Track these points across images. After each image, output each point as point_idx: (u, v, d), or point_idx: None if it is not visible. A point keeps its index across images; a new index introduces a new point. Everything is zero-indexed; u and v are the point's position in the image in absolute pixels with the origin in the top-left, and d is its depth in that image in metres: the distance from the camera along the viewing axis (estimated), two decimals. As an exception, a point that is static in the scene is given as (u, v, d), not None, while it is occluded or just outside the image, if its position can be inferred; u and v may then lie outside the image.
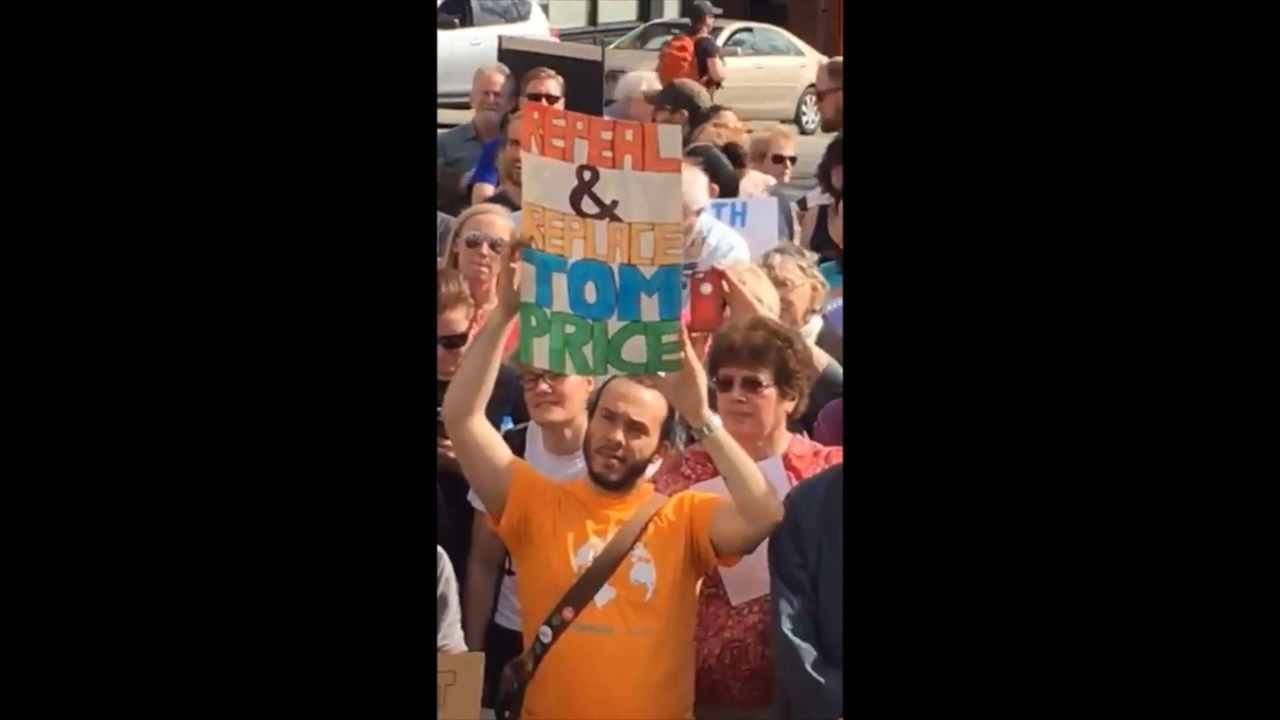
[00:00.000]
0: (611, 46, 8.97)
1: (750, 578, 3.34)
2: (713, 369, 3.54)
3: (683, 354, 3.14)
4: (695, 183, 4.77)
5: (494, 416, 3.54)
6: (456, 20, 17.60)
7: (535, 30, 17.14)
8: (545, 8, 19.50)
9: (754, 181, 5.84)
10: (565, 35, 16.49)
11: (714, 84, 11.18)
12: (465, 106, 8.93)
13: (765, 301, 3.92)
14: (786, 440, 3.51)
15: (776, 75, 19.71)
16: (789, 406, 3.49)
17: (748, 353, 3.46)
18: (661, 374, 3.24)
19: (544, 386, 3.51)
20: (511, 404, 3.76)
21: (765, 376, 3.44)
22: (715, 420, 3.23)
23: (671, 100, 6.36)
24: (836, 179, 5.44)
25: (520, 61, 7.30)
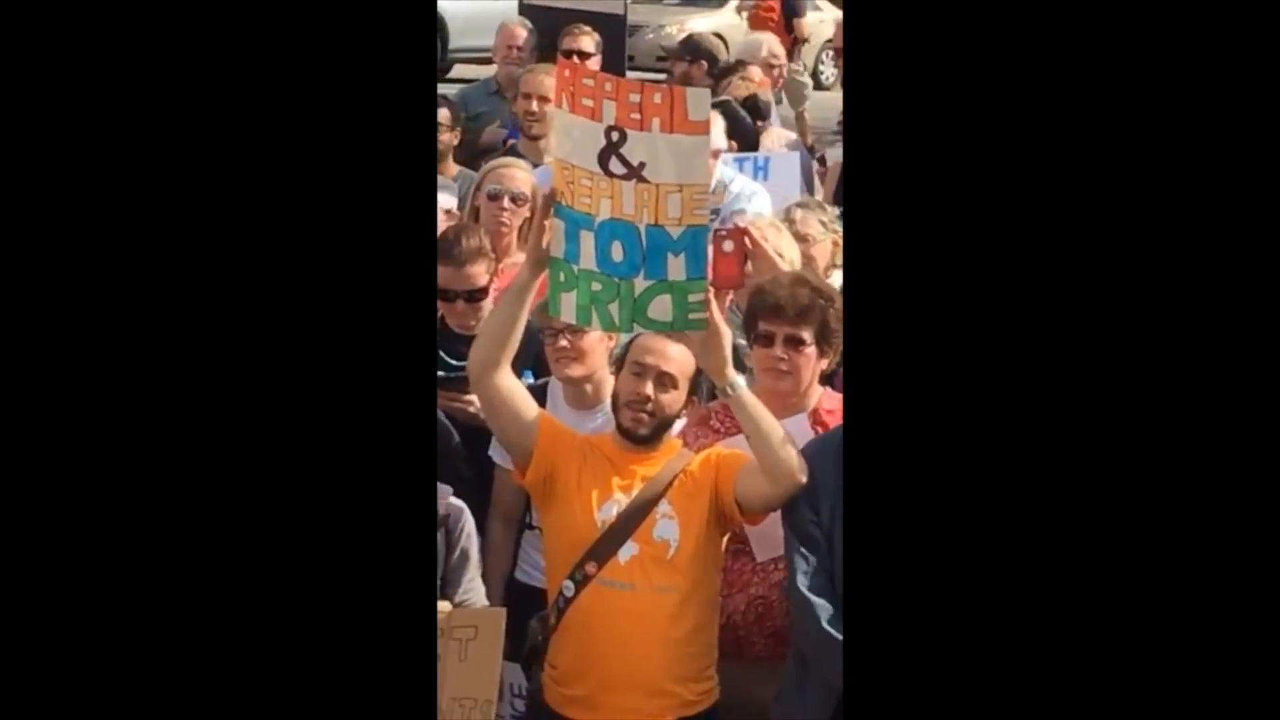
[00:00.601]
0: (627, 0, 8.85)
1: (775, 535, 3.34)
2: (750, 324, 3.55)
3: (708, 313, 3.12)
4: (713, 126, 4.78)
5: (516, 371, 3.52)
6: None
7: None
8: None
9: (775, 137, 5.85)
10: None
11: (801, 41, 11.11)
12: (486, 61, 8.82)
13: (787, 257, 3.91)
14: (817, 395, 3.50)
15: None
16: (825, 364, 3.49)
17: (794, 311, 3.46)
18: (687, 333, 3.20)
19: (564, 342, 3.52)
20: (533, 358, 3.73)
21: (808, 334, 3.45)
22: (740, 380, 3.23)
23: (691, 51, 6.34)
24: None
25: (542, 16, 7.22)
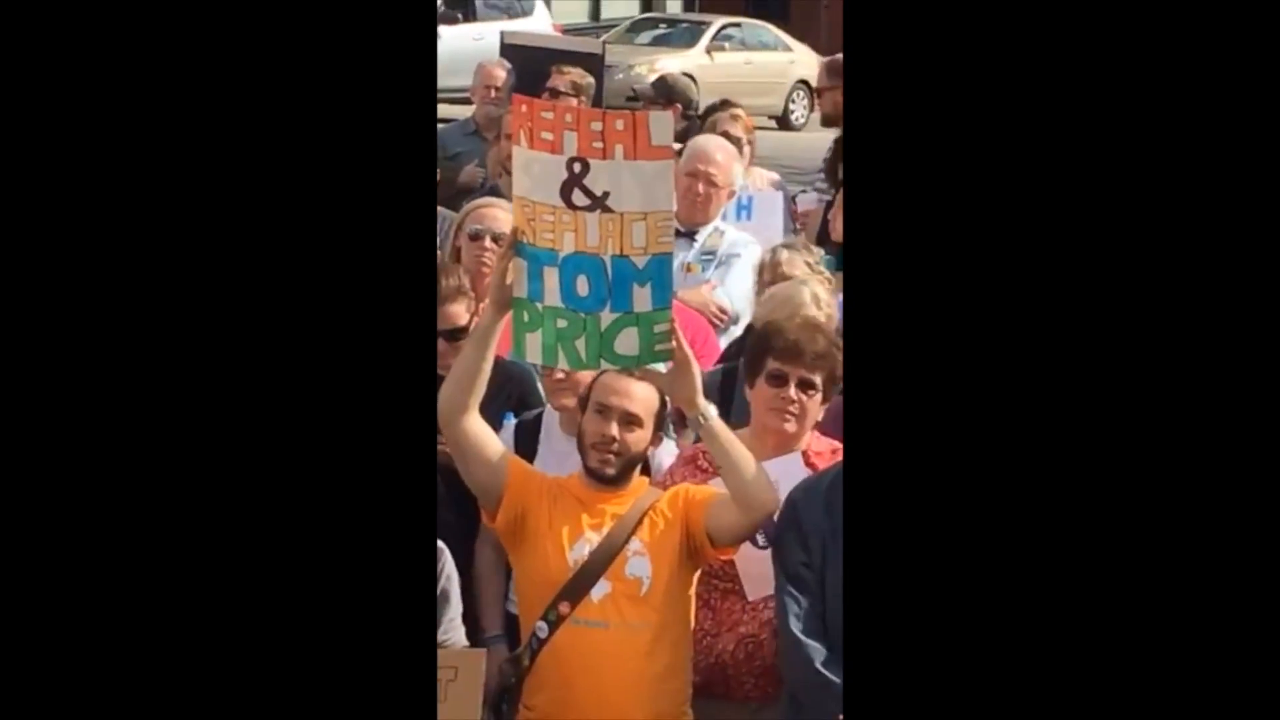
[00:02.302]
0: (601, 40, 9.09)
1: (766, 574, 3.39)
2: (757, 361, 3.59)
3: (675, 344, 3.15)
4: (734, 161, 5.10)
5: (495, 414, 3.56)
6: (459, 15, 17.96)
7: (538, 25, 17.35)
8: (548, 2, 19.81)
9: (759, 177, 5.95)
10: (569, 30, 16.75)
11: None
12: (466, 102, 9.11)
13: (824, 301, 4.03)
14: (808, 438, 3.60)
15: (765, 71, 19.86)
16: (822, 412, 3.57)
17: (811, 355, 3.53)
18: (655, 366, 3.23)
19: (559, 374, 3.58)
20: (514, 400, 3.81)
21: (819, 379, 3.52)
22: (711, 410, 3.26)
23: (664, 94, 6.47)
24: (842, 174, 5.57)
25: (521, 56, 7.43)
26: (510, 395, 3.83)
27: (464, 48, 14.87)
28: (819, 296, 4.14)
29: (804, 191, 6.22)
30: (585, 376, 3.57)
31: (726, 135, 5.65)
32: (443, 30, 14.43)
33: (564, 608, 3.31)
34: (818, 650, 3.27)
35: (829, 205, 5.56)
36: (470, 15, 18.25)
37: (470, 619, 3.65)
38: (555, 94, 6.06)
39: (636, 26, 20.99)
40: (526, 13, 18.58)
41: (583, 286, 3.23)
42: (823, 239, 5.21)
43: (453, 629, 3.45)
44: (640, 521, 3.34)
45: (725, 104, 6.64)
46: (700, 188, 5.00)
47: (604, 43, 7.95)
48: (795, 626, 3.31)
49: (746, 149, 5.87)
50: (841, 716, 3.06)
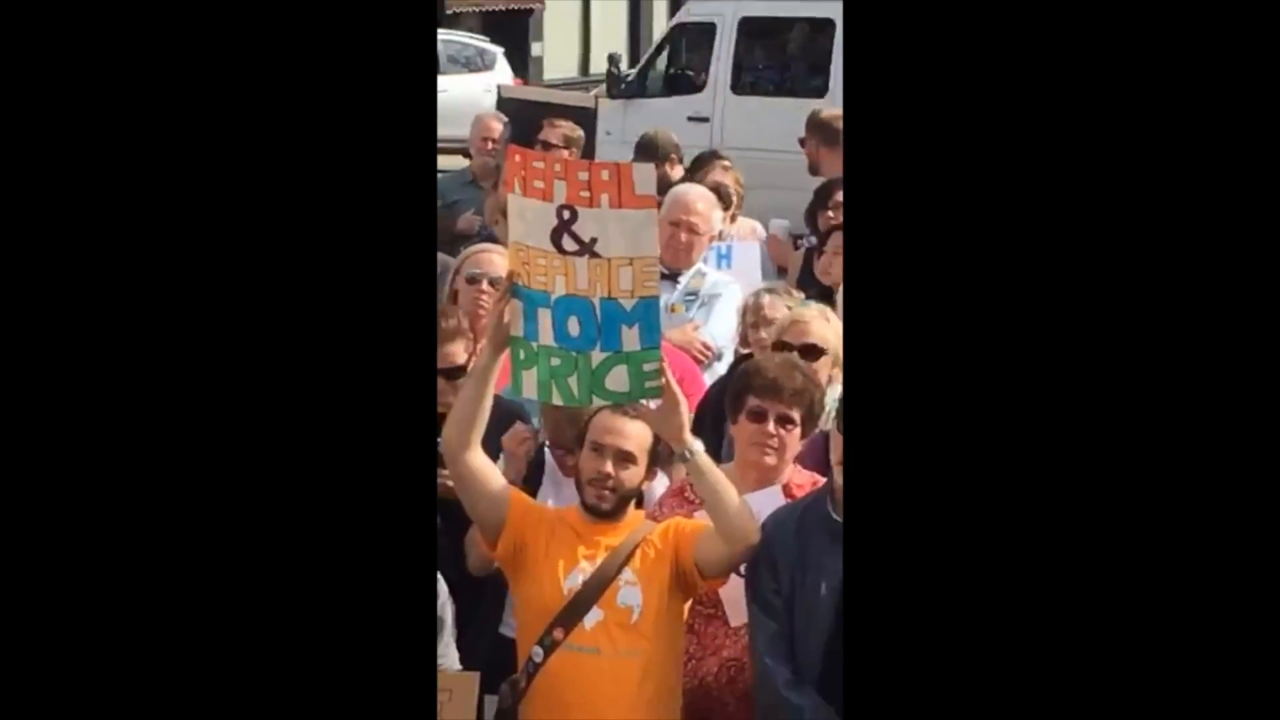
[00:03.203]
0: (592, 94, 9.24)
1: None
2: (739, 400, 3.71)
3: (663, 381, 3.25)
4: (714, 209, 5.35)
5: (495, 448, 3.67)
6: None
7: (500, 79, 17.91)
8: (507, 56, 20.26)
9: (743, 225, 6.14)
10: (558, 85, 17.18)
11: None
12: (460, 151, 9.22)
13: (831, 342, 4.13)
14: (789, 471, 3.70)
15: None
16: (801, 445, 3.69)
17: (789, 392, 3.64)
18: (645, 403, 3.32)
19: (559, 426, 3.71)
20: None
21: (798, 415, 3.63)
22: (697, 445, 3.37)
23: (648, 152, 6.65)
24: (823, 221, 5.76)
25: (517, 110, 7.60)
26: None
27: (452, 99, 15.05)
28: (826, 337, 4.19)
29: (777, 218, 6.36)
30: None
31: (716, 184, 5.79)
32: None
33: (558, 634, 3.38)
34: (782, 673, 3.37)
35: (810, 250, 5.72)
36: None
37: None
38: (547, 146, 6.16)
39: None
40: (489, 67, 19.20)
41: (574, 327, 3.32)
42: (805, 283, 5.33)
43: (448, 654, 3.50)
44: (633, 553, 3.42)
45: (714, 155, 6.80)
46: (683, 235, 5.15)
47: (595, 97, 8.08)
48: (763, 650, 3.41)
49: (734, 197, 6.01)
50: None
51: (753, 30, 11.12)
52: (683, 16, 13.31)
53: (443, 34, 18.95)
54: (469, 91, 17.39)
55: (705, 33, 11.69)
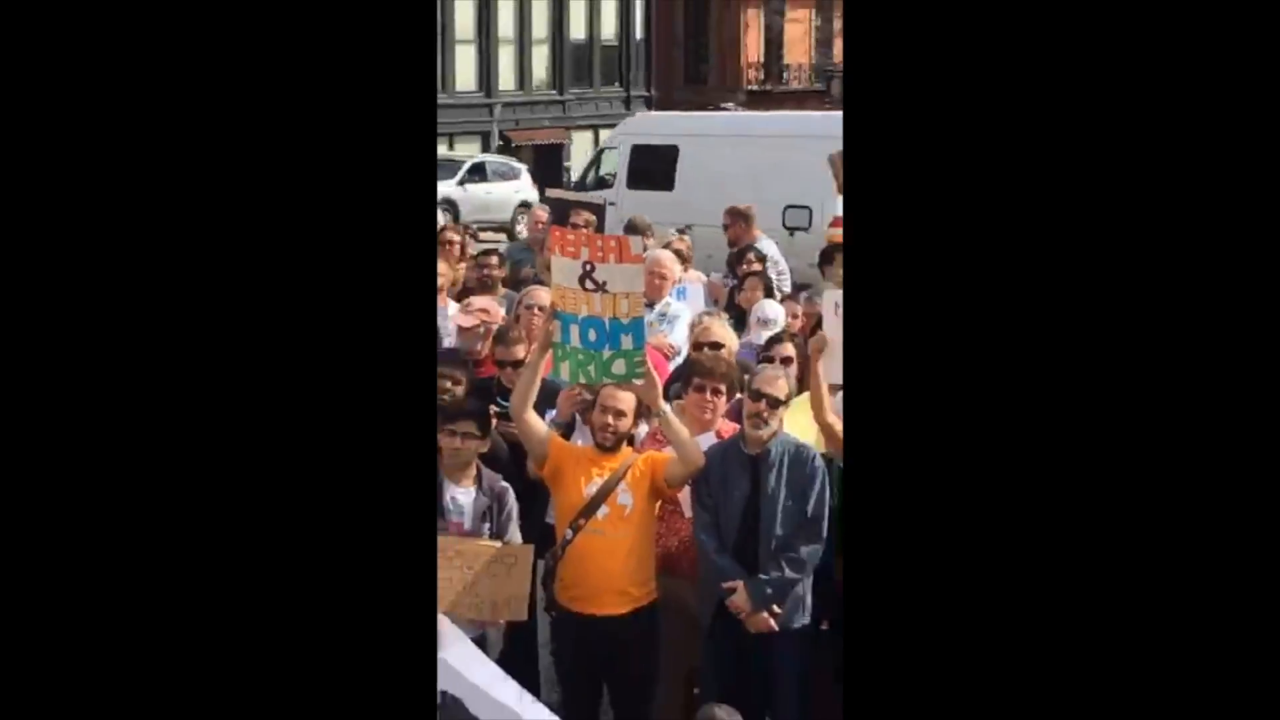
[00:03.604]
0: (603, 196, 12.90)
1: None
2: (688, 380, 4.88)
3: (646, 369, 4.46)
4: (675, 264, 7.08)
5: (540, 411, 4.85)
6: (478, 178, 25.10)
7: (524, 187, 25.13)
8: (547, 171, 27.64)
9: (693, 273, 7.94)
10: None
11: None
12: (505, 230, 15.02)
13: (728, 339, 5.58)
14: (719, 423, 4.92)
15: (499, 196, 25.06)
16: (726, 406, 4.97)
17: (718, 375, 4.83)
18: (635, 381, 4.50)
19: (587, 395, 4.88)
20: (550, 403, 5.12)
21: (724, 389, 4.85)
22: (666, 406, 4.58)
23: (631, 228, 8.35)
24: (739, 271, 7.87)
25: (555, 204, 10.60)
26: (548, 400, 5.04)
27: (482, 198, 24.28)
28: (726, 337, 5.65)
29: (718, 273, 8.30)
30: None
31: (678, 249, 7.61)
32: (469, 188, 24.10)
33: (580, 522, 4.48)
34: (710, 544, 4.45)
35: (733, 288, 7.55)
36: (483, 178, 25.32)
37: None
38: (574, 225, 7.76)
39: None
40: (517, 177, 25.83)
41: (592, 336, 4.38)
42: (729, 308, 7.34)
43: (514, 537, 4.52)
44: (626, 472, 4.52)
45: (682, 232, 8.97)
46: (657, 280, 6.85)
47: (605, 200, 11.07)
48: (700, 531, 4.51)
49: (688, 255, 7.86)
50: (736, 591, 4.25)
51: (639, 151, 16.30)
52: (603, 144, 19.92)
53: (489, 156, 25.19)
54: (505, 193, 24.96)
55: (615, 152, 17.18)
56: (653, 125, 18.68)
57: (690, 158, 15.57)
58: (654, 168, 15.98)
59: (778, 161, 13.76)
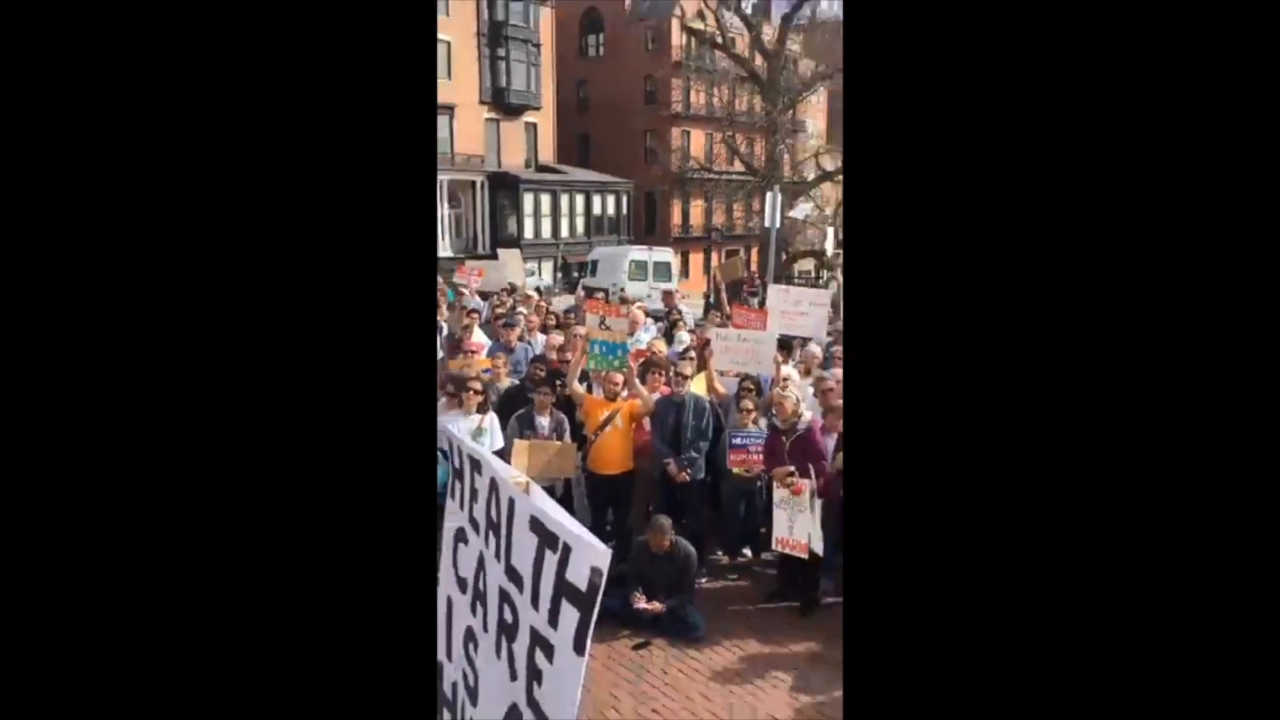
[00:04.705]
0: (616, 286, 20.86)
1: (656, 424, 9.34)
2: (646, 368, 9.92)
3: (628, 365, 9.37)
4: (641, 316, 12.75)
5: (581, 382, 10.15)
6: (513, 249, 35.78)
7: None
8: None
9: (649, 320, 13.54)
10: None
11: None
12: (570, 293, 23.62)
13: (663, 350, 11.24)
14: (663, 388, 9.96)
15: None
16: (663, 380, 10.32)
17: (660, 366, 10.04)
18: (622, 370, 9.20)
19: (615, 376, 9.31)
20: (585, 379, 10.20)
21: (662, 373, 9.97)
22: (636, 381, 9.36)
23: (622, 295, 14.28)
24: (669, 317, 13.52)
25: (586, 289, 16.24)
26: (583, 380, 9.49)
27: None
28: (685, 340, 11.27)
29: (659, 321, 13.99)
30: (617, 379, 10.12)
31: (642, 308, 13.20)
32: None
33: (599, 432, 8.76)
34: (662, 449, 8.85)
35: (668, 328, 13.12)
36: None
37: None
38: (595, 299, 13.36)
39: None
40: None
41: (602, 350, 9.64)
42: (666, 334, 12.74)
43: (568, 437, 9.14)
44: (620, 410, 8.84)
45: (667, 294, 14.71)
46: (632, 324, 11.63)
47: (620, 288, 17.08)
48: (657, 435, 8.87)
49: (647, 313, 13.33)
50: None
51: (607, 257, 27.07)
52: (591, 255, 30.95)
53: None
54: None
55: (599, 261, 27.98)
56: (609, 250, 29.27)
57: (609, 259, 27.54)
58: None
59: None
